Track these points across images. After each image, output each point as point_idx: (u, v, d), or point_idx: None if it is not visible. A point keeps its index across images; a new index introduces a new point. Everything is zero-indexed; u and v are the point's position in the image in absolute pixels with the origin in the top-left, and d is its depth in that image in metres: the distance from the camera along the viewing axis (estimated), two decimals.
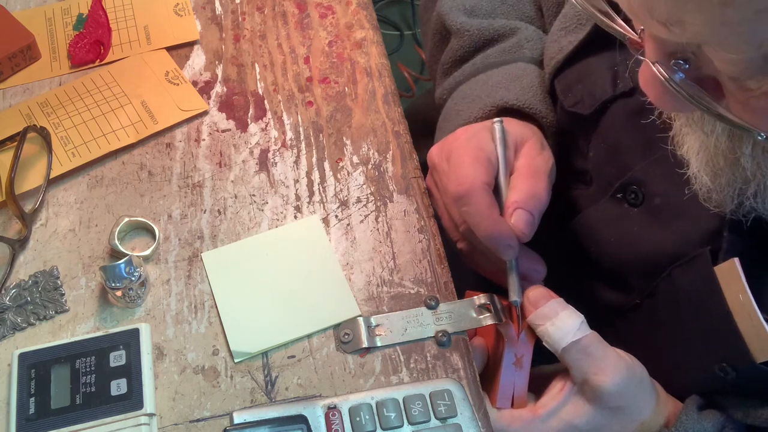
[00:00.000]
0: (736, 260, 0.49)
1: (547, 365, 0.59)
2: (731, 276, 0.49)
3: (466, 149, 0.59)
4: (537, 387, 0.57)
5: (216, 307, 0.57)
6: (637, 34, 0.41)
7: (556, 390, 0.56)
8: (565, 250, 0.65)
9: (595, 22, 0.42)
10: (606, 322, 0.62)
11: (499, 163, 0.59)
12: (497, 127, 0.61)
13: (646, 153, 0.57)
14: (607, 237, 0.61)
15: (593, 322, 0.56)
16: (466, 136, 0.61)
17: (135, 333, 0.54)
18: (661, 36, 0.37)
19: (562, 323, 0.54)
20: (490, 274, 0.63)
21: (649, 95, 0.42)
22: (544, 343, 0.55)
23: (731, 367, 0.52)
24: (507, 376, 0.55)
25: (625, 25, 0.41)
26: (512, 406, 0.55)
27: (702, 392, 0.56)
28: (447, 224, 0.63)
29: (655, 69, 0.39)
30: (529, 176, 0.59)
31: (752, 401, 0.54)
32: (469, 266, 0.65)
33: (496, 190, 0.59)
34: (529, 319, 0.56)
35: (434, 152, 0.63)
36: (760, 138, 0.38)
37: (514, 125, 0.63)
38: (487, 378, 0.57)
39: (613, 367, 0.53)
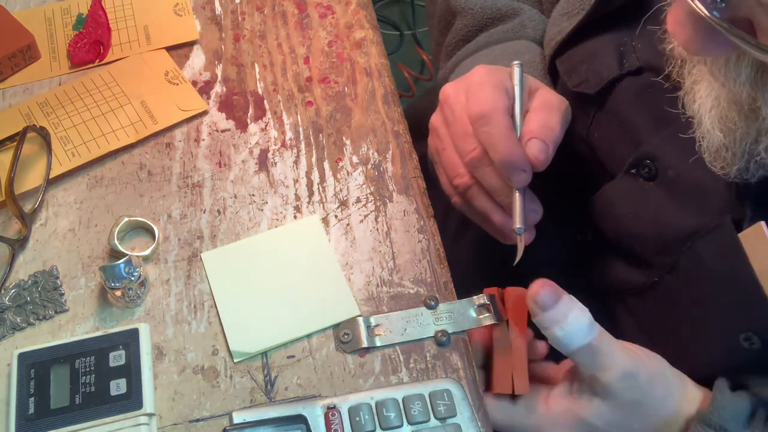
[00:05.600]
0: (763, 224, 0.48)
1: (552, 364, 0.59)
2: (757, 241, 0.49)
3: (487, 79, 0.60)
4: (548, 383, 0.57)
5: (216, 307, 0.57)
6: None
7: (567, 384, 0.56)
8: (581, 231, 0.65)
9: None
10: (624, 304, 0.61)
11: (515, 101, 0.60)
12: (516, 69, 0.61)
13: (658, 128, 0.57)
14: (625, 213, 0.61)
15: (611, 305, 0.55)
16: (486, 71, 0.61)
17: (134, 333, 0.54)
18: None
19: (570, 327, 0.52)
20: (480, 214, 0.62)
21: (678, 37, 0.42)
22: (550, 343, 0.54)
23: (758, 336, 0.51)
24: (500, 360, 0.55)
25: None
26: (513, 391, 0.54)
27: (725, 369, 0.55)
28: (449, 159, 0.62)
29: (694, 5, 0.39)
30: (543, 110, 0.60)
31: None
32: (458, 207, 0.64)
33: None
34: (536, 321, 0.54)
35: (449, 87, 0.63)
36: None
37: (529, 75, 0.63)
38: (488, 370, 0.57)
39: (620, 361, 0.53)
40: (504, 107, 0.58)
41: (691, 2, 0.39)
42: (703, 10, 0.39)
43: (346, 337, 0.55)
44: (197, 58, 0.73)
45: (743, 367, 0.55)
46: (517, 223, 0.57)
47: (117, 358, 0.53)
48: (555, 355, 0.57)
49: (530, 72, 0.66)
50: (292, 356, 0.55)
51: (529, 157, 0.57)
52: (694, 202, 0.55)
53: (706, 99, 0.47)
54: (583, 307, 0.54)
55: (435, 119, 0.64)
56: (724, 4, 0.38)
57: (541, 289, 0.53)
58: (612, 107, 0.62)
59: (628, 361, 0.53)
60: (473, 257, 0.67)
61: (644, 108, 0.59)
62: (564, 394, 0.55)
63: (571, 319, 0.52)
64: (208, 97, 0.70)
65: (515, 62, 0.61)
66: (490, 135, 0.57)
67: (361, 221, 0.62)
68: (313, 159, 0.65)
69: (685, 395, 0.55)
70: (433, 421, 0.51)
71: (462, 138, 0.60)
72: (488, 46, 0.70)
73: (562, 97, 0.62)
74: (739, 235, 0.51)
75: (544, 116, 0.59)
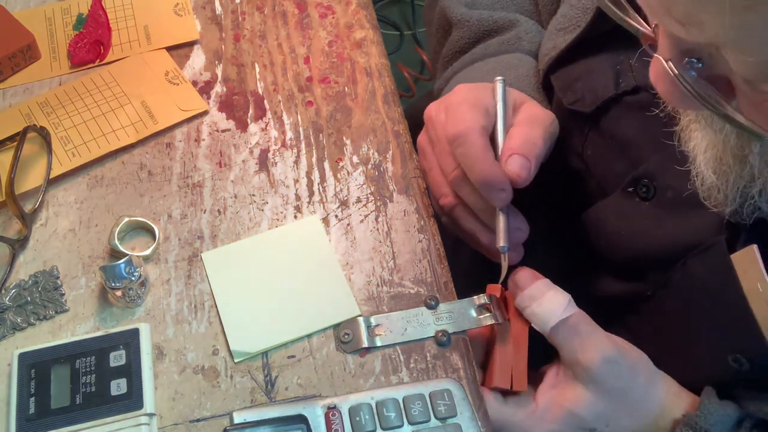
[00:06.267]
0: (755, 247, 0.48)
1: (548, 364, 0.59)
2: (749, 263, 0.49)
3: (465, 98, 0.60)
4: (539, 384, 0.57)
5: (216, 306, 0.57)
6: (650, 28, 0.41)
7: (552, 375, 0.56)
8: (572, 245, 0.65)
9: (609, 14, 0.42)
10: (616, 316, 0.61)
11: (497, 117, 0.60)
12: (499, 84, 0.61)
13: (658, 147, 0.57)
14: (617, 230, 0.61)
15: (603, 317, 0.55)
16: (466, 89, 0.61)
17: (135, 333, 0.54)
18: (678, 35, 0.37)
19: (548, 303, 0.54)
20: (470, 235, 0.62)
21: (659, 90, 0.42)
22: (533, 326, 0.55)
23: (745, 358, 0.52)
24: (502, 354, 0.55)
25: (639, 18, 0.41)
26: (511, 387, 0.55)
27: (714, 385, 0.56)
28: (435, 178, 0.62)
29: (667, 66, 0.39)
30: (526, 125, 0.59)
31: (764, 395, 0.53)
32: (447, 227, 0.64)
33: (493, 144, 0.59)
34: (516, 302, 0.56)
35: (432, 107, 0.63)
36: (766, 138, 0.38)
37: (512, 90, 0.63)
38: (487, 365, 0.57)
39: (601, 344, 0.53)
40: (480, 127, 0.58)
41: (665, 64, 0.39)
42: (675, 72, 0.38)
43: (346, 337, 0.55)
44: (197, 58, 0.73)
45: (732, 384, 0.55)
46: (501, 242, 0.57)
47: (117, 358, 0.53)
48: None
49: (523, 86, 0.66)
50: (293, 356, 0.55)
51: (510, 174, 0.57)
52: (692, 219, 0.55)
53: (702, 140, 0.47)
54: (564, 291, 0.55)
55: (421, 139, 0.64)
56: (701, 65, 0.38)
57: (521, 271, 0.57)
58: (607, 126, 0.61)
59: (609, 346, 0.54)
60: (472, 267, 0.67)
61: (641, 128, 0.58)
62: (549, 387, 0.56)
63: (548, 296, 0.55)
64: (209, 97, 0.70)
65: (498, 78, 0.61)
66: (466, 156, 0.57)
67: (362, 221, 0.62)
68: (314, 159, 0.65)
69: (670, 390, 0.56)
70: (434, 421, 0.51)
71: (444, 158, 0.60)
72: (483, 59, 0.70)
73: (548, 111, 0.62)
74: (731, 256, 0.51)
75: (527, 131, 0.59)
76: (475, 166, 0.56)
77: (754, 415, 0.54)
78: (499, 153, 0.59)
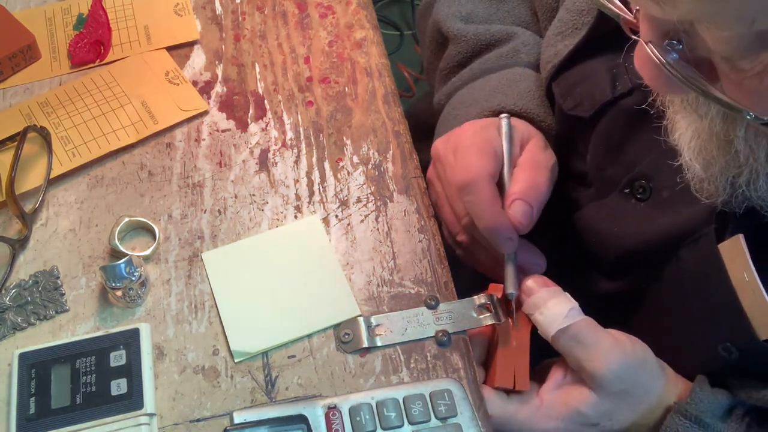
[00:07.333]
0: (741, 237, 0.49)
1: (552, 358, 0.59)
2: (735, 253, 0.49)
3: (474, 141, 0.60)
4: (542, 380, 0.57)
5: (216, 306, 0.57)
6: (632, 14, 0.41)
7: (559, 376, 0.56)
8: (565, 244, 0.66)
9: (593, 3, 0.42)
10: (610, 310, 0.62)
11: (504, 157, 0.61)
12: (504, 122, 0.62)
13: (652, 147, 0.57)
14: (609, 229, 0.61)
15: (597, 312, 0.56)
16: (474, 129, 0.62)
17: (135, 333, 0.54)
18: (654, 14, 0.37)
19: (548, 312, 0.55)
20: (487, 268, 0.64)
21: (643, 76, 0.42)
22: (539, 332, 0.56)
23: (735, 347, 0.52)
24: (505, 353, 0.56)
25: (621, 5, 0.42)
26: (514, 386, 0.55)
27: (707, 374, 0.56)
28: (447, 216, 0.64)
29: (648, 49, 0.39)
30: (531, 169, 0.60)
31: (754, 382, 0.54)
32: (464, 261, 0.65)
33: (500, 184, 0.60)
34: (523, 309, 0.57)
35: (439, 144, 0.64)
36: (749, 118, 0.38)
37: (519, 123, 0.64)
38: (489, 364, 0.57)
39: (606, 353, 0.54)
40: (488, 174, 0.58)
41: (646, 46, 0.39)
42: (658, 57, 0.39)
43: (346, 337, 0.55)
44: (198, 58, 0.73)
45: (723, 373, 0.55)
46: (509, 288, 0.58)
47: (118, 357, 0.53)
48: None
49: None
50: (293, 356, 0.55)
51: (512, 220, 0.58)
52: (684, 215, 0.56)
53: (686, 130, 0.47)
54: (570, 298, 0.56)
55: (431, 173, 0.66)
56: (681, 46, 0.38)
57: (530, 278, 0.58)
58: (604, 130, 0.62)
59: (614, 354, 0.54)
60: (472, 271, 0.67)
61: (637, 129, 0.59)
62: (555, 386, 0.56)
63: (550, 305, 0.55)
64: (209, 97, 0.70)
65: (503, 116, 0.62)
66: (474, 205, 0.58)
67: (362, 221, 0.62)
68: (314, 159, 0.65)
69: (666, 380, 0.56)
70: (434, 421, 0.51)
71: (454, 201, 0.62)
72: (483, 75, 0.70)
73: (550, 153, 0.63)
74: (719, 246, 0.51)
75: (533, 175, 0.60)
76: (482, 216, 0.58)
77: (746, 403, 0.54)
78: (506, 193, 0.59)
